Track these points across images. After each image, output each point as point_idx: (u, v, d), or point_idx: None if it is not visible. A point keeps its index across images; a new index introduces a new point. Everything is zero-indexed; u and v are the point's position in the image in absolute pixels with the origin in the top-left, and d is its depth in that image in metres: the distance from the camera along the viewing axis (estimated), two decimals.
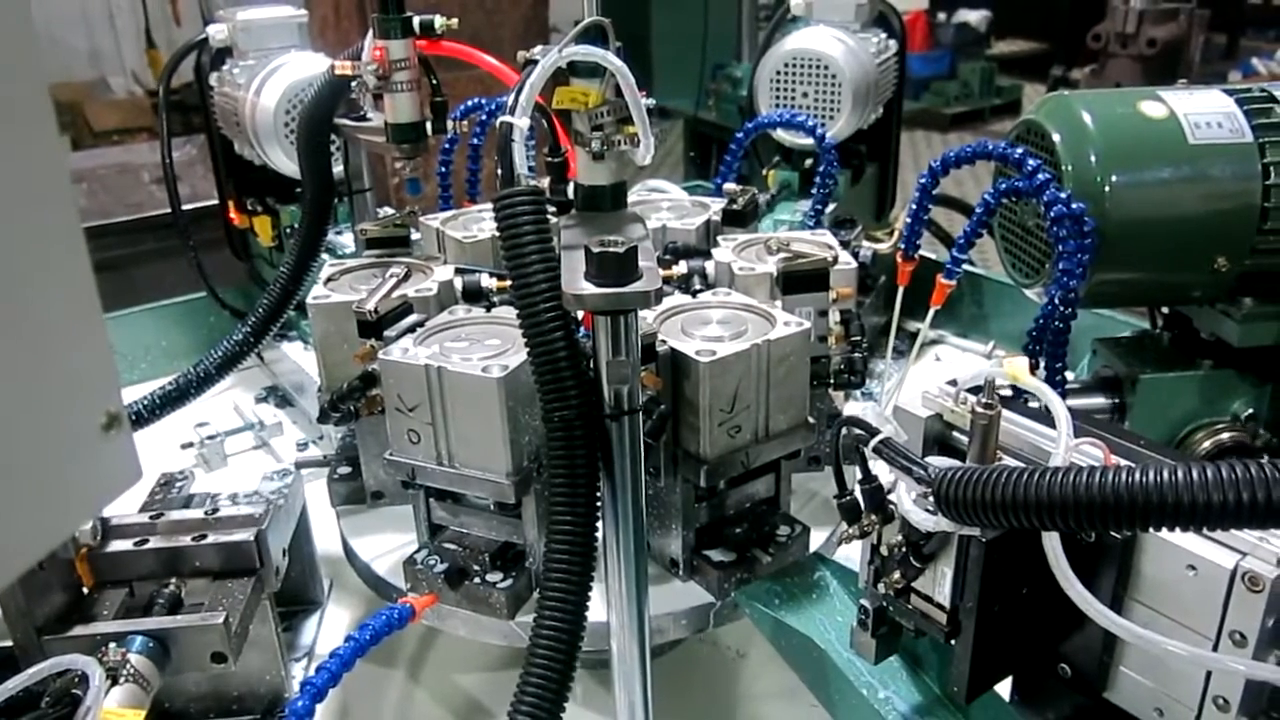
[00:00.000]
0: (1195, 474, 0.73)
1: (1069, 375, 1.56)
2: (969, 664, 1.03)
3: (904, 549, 1.04)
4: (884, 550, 1.07)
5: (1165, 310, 1.61)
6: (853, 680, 1.20)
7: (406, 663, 1.61)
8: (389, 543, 1.49)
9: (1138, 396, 1.50)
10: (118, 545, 1.32)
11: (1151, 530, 0.90)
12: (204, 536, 1.33)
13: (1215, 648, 0.88)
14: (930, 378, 1.10)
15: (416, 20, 1.52)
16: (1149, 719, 0.97)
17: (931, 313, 1.68)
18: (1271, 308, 1.43)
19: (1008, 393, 1.06)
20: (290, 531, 1.48)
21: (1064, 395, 1.45)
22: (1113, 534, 0.94)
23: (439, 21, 1.54)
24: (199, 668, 1.26)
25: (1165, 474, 0.74)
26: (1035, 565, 0.93)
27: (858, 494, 1.06)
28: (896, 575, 1.05)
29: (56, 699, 1.12)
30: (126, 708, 1.15)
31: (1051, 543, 0.91)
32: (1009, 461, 1.00)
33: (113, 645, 1.21)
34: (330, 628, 1.62)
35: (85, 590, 1.32)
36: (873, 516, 1.05)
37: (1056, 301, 1.42)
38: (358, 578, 1.52)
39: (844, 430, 1.05)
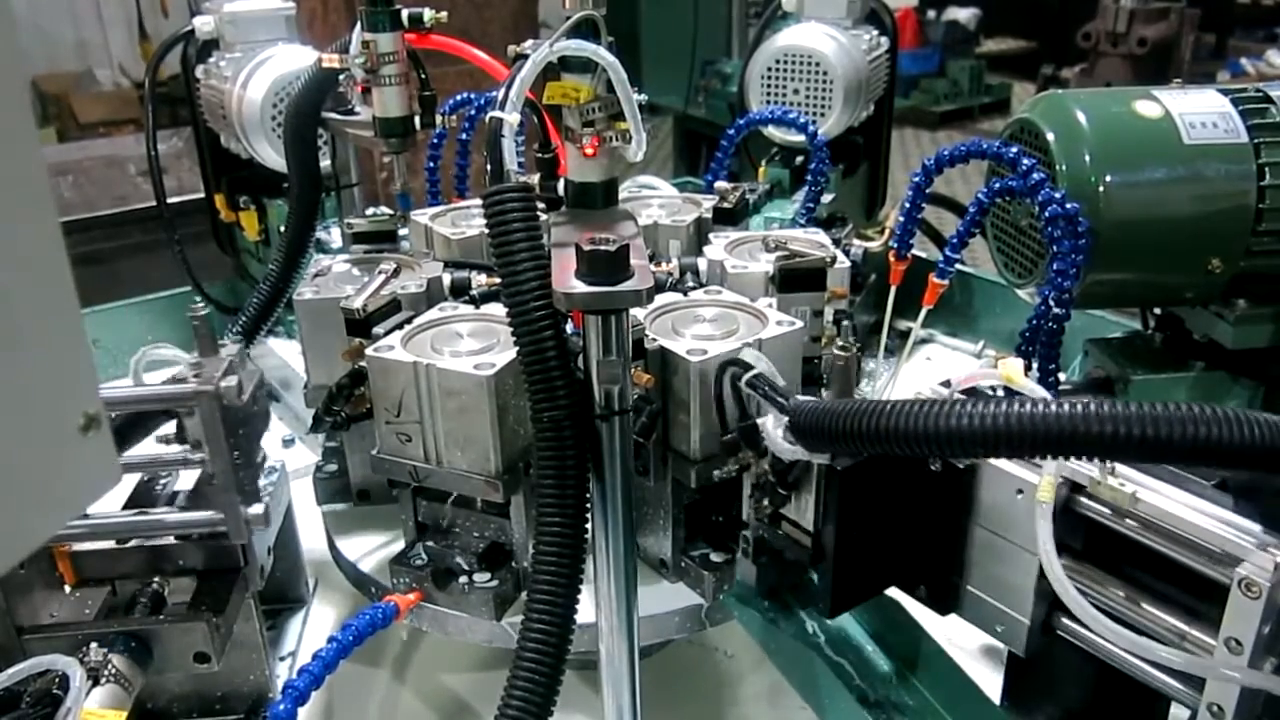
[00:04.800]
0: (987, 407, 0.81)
1: (1060, 376, 1.55)
2: (831, 584, 1.09)
3: (772, 477, 1.10)
4: (755, 479, 1.14)
5: (1157, 311, 1.61)
6: (842, 684, 1.19)
7: (392, 662, 1.60)
8: (374, 541, 1.48)
9: (1129, 397, 1.49)
10: (100, 543, 1.31)
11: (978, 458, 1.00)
12: (188, 535, 1.31)
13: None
14: (921, 377, 1.10)
15: (405, 13, 1.51)
16: (992, 633, 1.06)
17: (924, 312, 1.67)
18: (1265, 309, 1.42)
19: (1000, 393, 1.05)
20: (275, 530, 1.46)
21: (1057, 396, 1.46)
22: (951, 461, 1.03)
23: (428, 15, 1.52)
24: (182, 668, 1.25)
25: (987, 407, 0.81)
26: (892, 493, 1.05)
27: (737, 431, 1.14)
28: (766, 502, 1.12)
29: (37, 699, 1.10)
30: (108, 708, 1.13)
31: (1046, 547, 0.90)
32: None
33: (94, 645, 1.19)
34: (315, 626, 1.60)
35: (67, 589, 1.30)
36: (749, 452, 1.13)
37: (1050, 302, 1.41)
38: (343, 576, 1.50)
39: (726, 370, 1.15)
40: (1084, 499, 0.95)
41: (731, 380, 1.14)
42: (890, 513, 1.07)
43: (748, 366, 1.12)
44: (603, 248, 0.98)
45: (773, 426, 1.06)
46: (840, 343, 1.06)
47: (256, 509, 1.27)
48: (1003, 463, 1.00)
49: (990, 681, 1.14)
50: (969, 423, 0.82)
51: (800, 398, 1.04)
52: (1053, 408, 0.78)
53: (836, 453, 1.01)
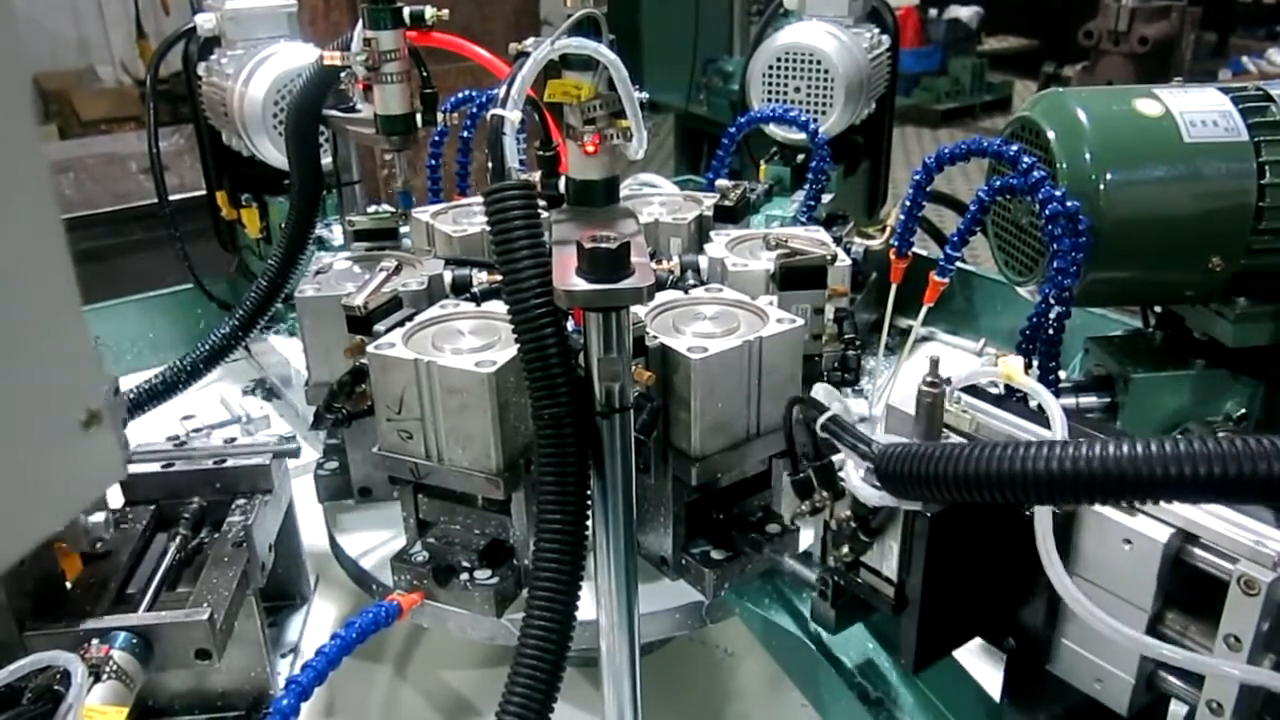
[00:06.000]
0: (1122, 448, 0.73)
1: (1061, 374, 1.55)
2: (916, 636, 1.04)
3: (853, 523, 1.05)
4: (834, 525, 1.08)
5: (1158, 309, 1.61)
6: (843, 681, 1.19)
7: (393, 659, 1.60)
8: (376, 538, 1.48)
9: (1130, 395, 1.49)
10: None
11: (1086, 504, 0.92)
12: None
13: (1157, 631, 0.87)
14: (921, 375, 1.09)
15: (407, 11, 1.51)
16: (1090, 689, 0.99)
17: (924, 310, 1.67)
18: (1266, 308, 1.42)
19: (998, 390, 1.05)
20: (276, 526, 1.46)
21: (1057, 394, 1.46)
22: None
23: (429, 12, 1.52)
24: (183, 664, 1.25)
25: (1097, 448, 0.74)
26: (981, 540, 0.98)
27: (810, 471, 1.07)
28: (845, 549, 1.06)
29: (38, 696, 1.10)
30: (109, 705, 1.14)
31: (1045, 544, 0.90)
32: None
33: (95, 641, 1.19)
34: (316, 623, 1.61)
35: (68, 584, 1.30)
36: (824, 493, 1.06)
37: (1050, 300, 1.41)
38: (344, 573, 1.50)
39: (795, 409, 1.08)
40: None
41: (805, 421, 1.08)
42: (980, 561, 1.01)
43: (822, 408, 1.05)
44: (603, 245, 0.99)
45: (854, 470, 1.00)
46: (928, 378, 0.98)
47: None
48: (1108, 509, 0.92)
49: (991, 679, 1.15)
50: (1084, 466, 0.75)
51: (882, 440, 0.98)
52: (1180, 447, 0.71)
53: (929, 500, 0.94)
